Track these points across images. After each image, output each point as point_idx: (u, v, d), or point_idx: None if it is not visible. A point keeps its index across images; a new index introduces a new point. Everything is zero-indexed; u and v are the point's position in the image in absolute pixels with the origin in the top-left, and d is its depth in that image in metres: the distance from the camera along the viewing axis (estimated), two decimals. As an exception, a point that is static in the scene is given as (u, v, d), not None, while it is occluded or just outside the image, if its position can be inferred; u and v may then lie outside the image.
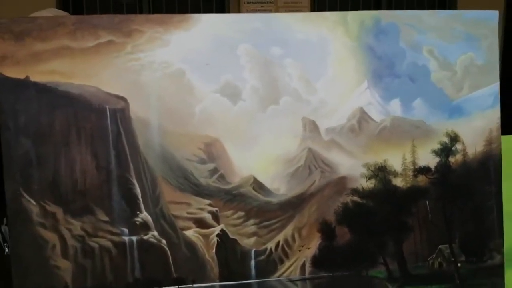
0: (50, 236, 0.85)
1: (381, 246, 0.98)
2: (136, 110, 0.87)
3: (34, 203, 0.84)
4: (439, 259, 1.00)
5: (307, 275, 0.95)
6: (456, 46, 0.98)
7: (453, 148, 0.99)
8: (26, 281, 0.85)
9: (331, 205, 0.95)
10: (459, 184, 0.99)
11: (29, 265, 0.85)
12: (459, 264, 1.00)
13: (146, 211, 0.89)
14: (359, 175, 0.96)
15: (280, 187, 0.95)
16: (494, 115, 1.00)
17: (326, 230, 0.95)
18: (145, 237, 0.89)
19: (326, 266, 0.96)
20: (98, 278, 0.87)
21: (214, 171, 0.92)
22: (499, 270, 1.00)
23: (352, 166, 0.96)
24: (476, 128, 0.99)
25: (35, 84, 0.83)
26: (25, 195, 0.84)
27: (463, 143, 0.99)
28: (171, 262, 0.90)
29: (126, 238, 0.88)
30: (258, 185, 0.94)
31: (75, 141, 0.85)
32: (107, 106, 0.86)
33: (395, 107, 0.97)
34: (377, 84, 0.96)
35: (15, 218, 0.84)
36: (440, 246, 1.00)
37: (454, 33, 0.98)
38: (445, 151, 0.98)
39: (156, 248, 0.89)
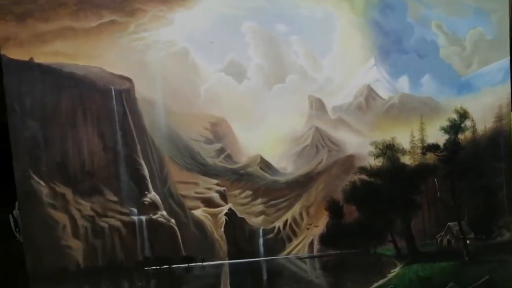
0: (61, 216, 0.85)
1: (389, 224, 0.97)
2: (141, 90, 0.86)
3: (43, 184, 0.84)
4: (447, 236, 0.99)
5: (315, 253, 0.95)
6: (465, 20, 0.95)
7: (462, 125, 0.96)
8: (38, 261, 0.85)
9: (339, 183, 0.94)
10: (468, 161, 0.97)
11: (41, 246, 0.86)
12: (468, 241, 0.99)
13: (154, 191, 0.89)
14: (367, 153, 0.95)
15: (287, 166, 0.94)
16: (504, 91, 0.97)
17: (334, 209, 0.95)
18: (154, 217, 0.89)
19: (334, 244, 0.95)
20: (109, 257, 0.88)
21: (221, 151, 0.92)
22: (508, 247, 0.99)
23: (359, 144, 0.94)
24: (485, 104, 0.97)
25: (40, 65, 0.82)
26: (34, 176, 0.84)
27: (472, 120, 0.97)
28: (180, 241, 0.90)
29: (135, 218, 0.88)
30: (265, 164, 0.93)
31: (82, 122, 0.85)
32: (112, 87, 0.85)
33: (403, 83, 0.94)
34: (385, 60, 0.93)
35: (25, 200, 0.84)
36: (449, 223, 0.99)
37: (463, 7, 0.95)
38: (454, 128, 0.96)
39: (165, 227, 0.89)
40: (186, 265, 0.91)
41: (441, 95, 0.95)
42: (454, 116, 0.96)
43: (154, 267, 0.90)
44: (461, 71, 0.96)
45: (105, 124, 0.85)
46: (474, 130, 0.97)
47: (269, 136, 0.92)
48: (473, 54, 0.96)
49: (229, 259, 0.92)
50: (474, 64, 0.96)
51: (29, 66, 0.82)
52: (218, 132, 0.91)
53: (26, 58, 0.82)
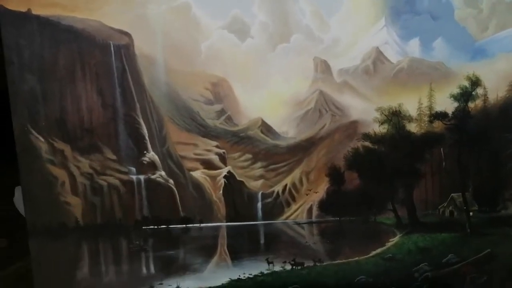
0: (59, 172, 0.91)
1: (390, 192, 1.02)
2: (140, 46, 0.89)
3: (42, 139, 0.89)
4: (450, 208, 1.03)
5: (313, 218, 1.00)
6: (484, -20, 0.95)
7: (473, 93, 0.98)
8: (38, 217, 0.92)
9: (341, 149, 0.98)
10: (477, 131, 1.00)
11: (40, 201, 0.92)
12: (471, 213, 1.03)
13: (153, 150, 0.94)
14: (372, 120, 0.97)
15: (288, 130, 0.97)
16: (520, 58, 0.98)
17: (335, 175, 0.99)
18: (152, 177, 0.94)
19: (333, 211, 1.01)
20: (107, 215, 0.94)
21: (221, 112, 0.95)
22: (512, 220, 1.03)
23: (364, 110, 0.97)
24: (499, 71, 0.98)
25: (38, 17, 0.85)
26: (33, 131, 0.89)
27: (484, 88, 0.98)
28: (179, 202, 0.96)
29: (134, 177, 0.94)
30: (266, 128, 0.97)
31: (80, 78, 0.89)
32: (111, 42, 0.88)
33: (414, 47, 0.96)
34: (395, 21, 0.95)
35: (24, 155, 0.89)
36: (452, 194, 1.03)
37: (483, -35, 0.95)
38: (464, 95, 0.98)
39: (164, 188, 0.95)
40: (184, 225, 0.97)
41: (454, 60, 0.97)
42: (466, 83, 0.98)
43: (152, 227, 0.96)
44: (476, 35, 0.97)
45: (104, 81, 0.89)
46: (486, 99, 0.99)
47: (271, 98, 0.95)
48: (490, 17, 0.97)
49: (227, 222, 0.98)
50: (490, 28, 0.97)
51: (27, 17, 0.85)
52: (219, 92, 0.94)
53: (24, 9, 0.85)
